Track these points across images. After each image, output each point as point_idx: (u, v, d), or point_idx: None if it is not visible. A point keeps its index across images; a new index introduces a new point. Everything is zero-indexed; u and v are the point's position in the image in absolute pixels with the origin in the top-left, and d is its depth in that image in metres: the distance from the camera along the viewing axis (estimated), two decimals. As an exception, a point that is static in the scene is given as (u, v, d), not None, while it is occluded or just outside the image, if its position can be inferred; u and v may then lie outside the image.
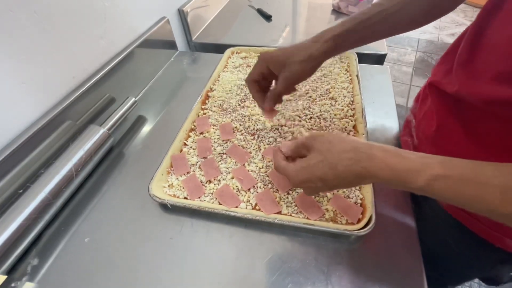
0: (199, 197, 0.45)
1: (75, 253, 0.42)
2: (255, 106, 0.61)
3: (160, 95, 0.72)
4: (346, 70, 0.68)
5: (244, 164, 0.50)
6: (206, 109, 0.62)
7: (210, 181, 0.48)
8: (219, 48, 0.83)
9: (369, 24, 0.39)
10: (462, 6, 2.96)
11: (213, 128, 0.57)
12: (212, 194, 0.46)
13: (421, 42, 2.55)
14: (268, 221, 0.41)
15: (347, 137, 0.33)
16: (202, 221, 0.44)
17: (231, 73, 0.71)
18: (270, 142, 0.53)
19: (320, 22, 0.99)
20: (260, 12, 1.06)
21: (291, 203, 0.43)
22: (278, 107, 0.61)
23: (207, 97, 0.65)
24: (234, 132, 0.56)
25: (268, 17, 1.03)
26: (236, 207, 0.43)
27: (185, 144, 0.55)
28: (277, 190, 0.45)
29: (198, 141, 0.54)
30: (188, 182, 0.47)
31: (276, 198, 0.44)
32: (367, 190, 0.42)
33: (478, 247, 0.42)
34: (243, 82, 0.67)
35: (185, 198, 0.45)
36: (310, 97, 0.62)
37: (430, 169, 0.26)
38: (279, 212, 0.42)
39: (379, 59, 0.80)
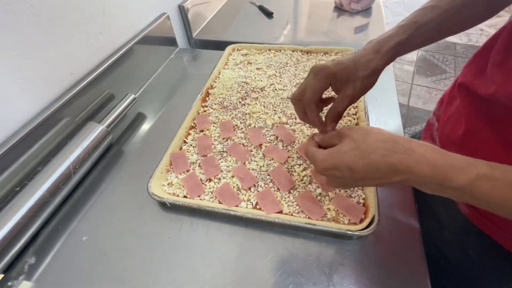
0: (198, 196, 0.44)
1: (72, 252, 0.42)
2: (256, 103, 0.60)
3: (160, 92, 0.71)
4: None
5: (244, 163, 0.49)
6: (207, 106, 0.61)
7: (210, 180, 0.47)
8: (220, 45, 0.82)
9: (429, 28, 0.37)
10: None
11: (213, 126, 0.56)
12: (212, 192, 0.45)
13: (423, 41, 2.52)
14: (269, 221, 0.40)
15: (385, 130, 0.32)
16: (202, 220, 0.44)
17: (232, 70, 0.70)
18: (271, 140, 0.53)
19: (322, 19, 0.97)
20: (262, 9, 1.05)
21: (292, 202, 0.43)
22: (280, 105, 0.60)
23: (208, 94, 0.64)
24: (234, 130, 0.55)
25: (269, 14, 1.01)
26: (237, 206, 0.42)
27: (185, 142, 0.54)
28: (278, 189, 0.45)
29: (198, 139, 0.53)
30: (187, 180, 0.46)
31: (277, 197, 0.43)
32: (370, 190, 0.42)
33: (500, 258, 0.40)
34: (244, 79, 0.67)
35: (185, 196, 0.45)
36: (312, 95, 0.61)
37: (475, 168, 0.25)
38: (280, 212, 0.41)
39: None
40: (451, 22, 0.37)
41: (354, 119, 0.54)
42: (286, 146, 0.51)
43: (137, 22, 0.70)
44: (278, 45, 0.76)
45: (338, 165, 0.31)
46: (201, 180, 0.47)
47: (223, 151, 0.51)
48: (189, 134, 0.55)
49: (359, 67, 0.37)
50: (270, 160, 0.49)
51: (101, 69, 0.59)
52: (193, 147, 0.53)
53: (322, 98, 0.41)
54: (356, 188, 0.43)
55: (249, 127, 0.56)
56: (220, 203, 0.43)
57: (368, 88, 0.38)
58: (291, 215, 0.41)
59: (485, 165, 0.25)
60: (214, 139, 0.54)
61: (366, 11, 0.99)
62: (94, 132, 0.52)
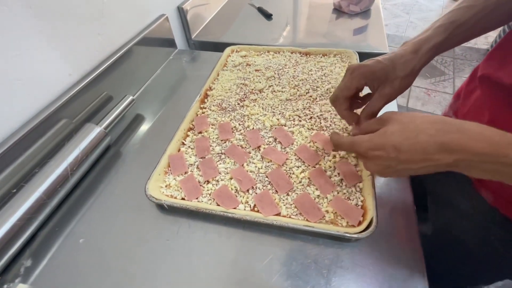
0: (196, 198, 0.44)
1: (69, 254, 0.41)
2: (254, 105, 0.60)
3: (159, 93, 0.71)
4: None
5: (243, 165, 0.49)
6: (205, 108, 0.61)
7: (208, 182, 0.47)
8: (219, 47, 0.82)
9: (466, 28, 0.37)
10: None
11: (212, 128, 0.56)
12: (210, 195, 0.45)
13: (422, 43, 2.53)
14: (267, 223, 0.40)
15: (434, 115, 0.31)
16: (200, 222, 0.43)
17: (231, 72, 0.70)
18: (270, 142, 0.53)
19: (321, 21, 0.98)
20: (261, 10, 1.05)
21: (291, 204, 0.43)
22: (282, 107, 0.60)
23: (206, 95, 0.64)
24: (233, 132, 0.55)
25: (268, 16, 1.02)
26: (235, 208, 0.42)
27: (183, 143, 0.54)
28: (276, 191, 0.44)
29: (196, 141, 0.53)
30: (185, 182, 0.46)
31: (275, 199, 0.43)
32: (368, 192, 0.42)
33: None
34: (243, 81, 0.67)
35: (183, 198, 0.45)
36: (311, 96, 0.61)
37: None
38: (278, 214, 0.41)
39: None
40: (487, 20, 0.37)
41: (353, 121, 0.54)
42: (285, 148, 0.51)
43: (136, 23, 0.70)
44: (277, 47, 0.76)
45: (384, 144, 0.31)
46: (199, 182, 0.47)
47: (222, 153, 0.51)
48: (188, 135, 0.55)
49: (398, 67, 0.37)
50: (268, 162, 0.49)
51: (99, 70, 0.59)
52: (191, 148, 0.53)
53: (360, 96, 0.43)
54: (354, 191, 0.43)
55: (247, 129, 0.56)
56: (218, 205, 0.43)
57: (405, 88, 0.38)
58: (289, 217, 0.41)
59: None
60: (213, 141, 0.54)
61: (364, 13, 0.99)
62: (91, 133, 0.52)
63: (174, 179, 0.47)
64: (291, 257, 0.39)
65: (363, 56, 0.72)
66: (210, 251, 0.40)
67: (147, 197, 0.44)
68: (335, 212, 0.41)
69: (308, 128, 0.54)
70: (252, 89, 0.64)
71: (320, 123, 0.55)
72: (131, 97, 0.62)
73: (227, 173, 0.48)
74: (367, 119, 0.40)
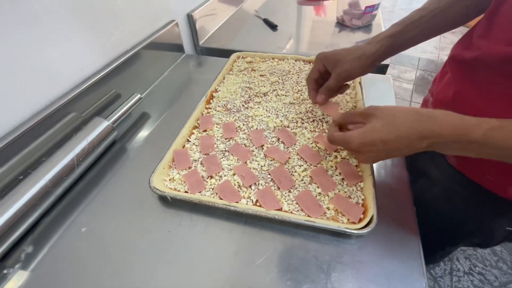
0: (199, 192, 0.45)
1: (71, 243, 0.42)
2: (258, 107, 0.62)
3: (165, 94, 0.73)
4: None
5: (246, 162, 0.50)
6: (210, 108, 0.63)
7: (211, 177, 0.48)
8: (225, 53, 0.85)
9: (417, 25, 0.45)
10: (461, 28, 3.06)
11: (217, 127, 0.58)
12: (213, 189, 0.45)
13: (422, 61, 2.60)
14: (268, 217, 0.40)
15: (408, 107, 0.36)
16: (202, 216, 0.44)
17: (236, 76, 0.73)
18: (273, 142, 0.54)
19: (324, 33, 1.01)
20: (266, 22, 1.09)
21: (292, 201, 0.43)
22: (280, 109, 0.61)
23: (212, 97, 0.66)
24: (237, 131, 0.56)
25: (274, 27, 1.05)
26: (237, 202, 0.43)
27: (188, 140, 0.55)
28: (278, 188, 0.45)
29: (201, 138, 0.54)
30: (189, 176, 0.47)
31: (277, 195, 0.44)
32: (369, 192, 0.42)
33: (480, 198, 0.47)
34: (248, 85, 0.69)
35: (186, 192, 0.45)
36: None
37: (487, 123, 0.30)
38: (280, 209, 0.42)
39: (381, 70, 0.81)
40: (440, 19, 0.45)
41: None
42: (287, 147, 0.52)
43: (147, 26, 0.73)
44: (281, 54, 0.79)
45: (374, 140, 0.35)
46: (202, 177, 0.47)
47: (225, 151, 0.52)
48: (192, 133, 0.56)
49: (349, 53, 0.47)
50: (271, 160, 0.50)
51: (110, 68, 0.61)
52: (196, 145, 0.54)
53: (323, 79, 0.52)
54: (355, 189, 0.44)
55: (251, 129, 0.57)
56: (221, 199, 0.43)
57: (357, 70, 0.47)
58: (291, 213, 0.41)
59: (496, 120, 0.30)
60: (217, 139, 0.55)
61: (366, 27, 1.03)
62: (99, 127, 0.53)
63: (178, 173, 0.48)
64: (291, 252, 0.39)
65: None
66: (211, 244, 0.40)
67: (151, 189, 0.44)
68: (336, 210, 0.42)
69: (310, 130, 0.55)
70: (257, 93, 0.66)
71: (323, 125, 0.56)
72: (138, 95, 0.63)
73: (230, 169, 0.49)
74: (323, 93, 0.52)
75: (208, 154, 0.52)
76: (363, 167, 0.47)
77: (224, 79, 0.72)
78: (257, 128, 0.57)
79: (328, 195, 0.44)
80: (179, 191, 0.45)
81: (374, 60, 0.47)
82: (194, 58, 0.87)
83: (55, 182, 0.45)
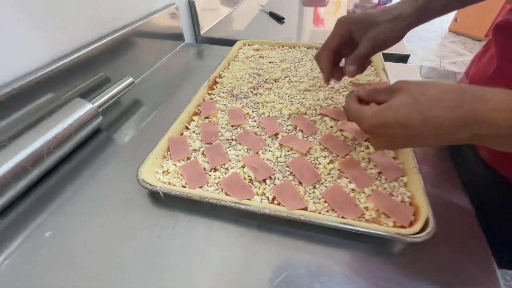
0: (200, 187, 0.36)
1: (31, 252, 0.32)
2: (269, 93, 0.53)
3: (161, 81, 0.64)
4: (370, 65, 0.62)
5: (257, 152, 0.41)
6: (213, 94, 0.54)
7: (215, 169, 0.38)
8: (229, 43, 0.77)
9: None
10: (461, 38, 3.06)
11: (221, 113, 0.49)
12: (217, 184, 0.36)
13: (423, 68, 2.58)
14: (291, 219, 0.31)
15: (449, 83, 0.27)
16: (203, 217, 0.34)
17: (242, 63, 0.64)
18: (289, 130, 0.45)
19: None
20: (272, 15, 1.02)
21: (319, 198, 0.34)
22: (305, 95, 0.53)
23: (215, 82, 0.57)
24: (245, 119, 0.47)
25: (280, 19, 0.99)
26: (249, 200, 0.33)
27: (186, 127, 0.46)
28: (300, 182, 0.36)
29: (203, 125, 0.45)
30: (188, 168, 0.38)
31: (299, 191, 0.34)
32: (417, 187, 0.33)
33: None
34: (256, 71, 0.60)
35: (183, 187, 0.36)
36: (332, 87, 0.55)
37: None
38: (305, 209, 0.32)
39: (402, 60, 0.74)
40: None
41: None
42: (307, 137, 0.43)
43: (143, 5, 0.65)
44: (292, 42, 0.71)
45: (388, 121, 0.28)
46: (204, 169, 0.38)
47: (232, 139, 0.43)
48: (192, 120, 0.47)
49: (383, 13, 0.38)
50: (288, 150, 0.41)
51: (96, 45, 0.52)
52: (197, 134, 0.45)
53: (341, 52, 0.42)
54: (397, 185, 0.35)
55: (262, 116, 0.48)
56: (228, 195, 0.34)
57: (395, 33, 0.38)
58: (319, 213, 0.32)
59: None
60: (222, 127, 0.46)
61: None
62: (80, 110, 0.44)
63: (174, 164, 0.39)
64: (321, 266, 0.29)
65: (386, 56, 0.67)
66: (214, 253, 0.31)
67: (139, 183, 0.35)
68: (377, 210, 0.32)
69: (332, 118, 0.47)
70: (267, 79, 0.58)
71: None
72: (131, 79, 0.55)
73: (239, 160, 0.39)
74: (353, 64, 0.40)
75: (211, 143, 0.42)
76: (402, 158, 0.38)
77: (228, 65, 0.63)
78: (269, 115, 0.48)
79: (364, 192, 0.34)
80: (174, 185, 0.36)
81: (410, 24, 0.38)
82: (194, 47, 0.79)
83: (16, 173, 0.35)
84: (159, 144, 0.40)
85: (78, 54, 0.49)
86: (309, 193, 0.35)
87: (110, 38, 0.55)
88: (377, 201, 0.33)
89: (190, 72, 0.68)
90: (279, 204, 0.33)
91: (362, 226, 0.29)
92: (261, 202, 0.33)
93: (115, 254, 0.31)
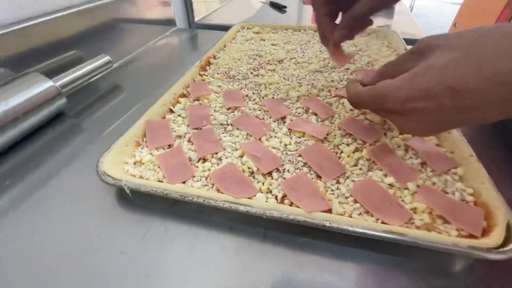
0: (183, 182, 0.26)
1: None
2: (273, 74, 0.45)
3: (147, 66, 0.55)
4: (387, 46, 0.53)
5: (260, 139, 0.31)
6: (206, 75, 0.45)
7: (204, 159, 0.29)
8: (227, 29, 0.69)
9: None
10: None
11: (215, 95, 0.40)
12: (207, 178, 0.27)
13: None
14: (310, 226, 0.22)
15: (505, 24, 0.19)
16: (185, 224, 0.25)
17: (241, 44, 0.56)
18: (299, 113, 0.36)
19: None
20: (273, 4, 0.95)
21: (346, 197, 0.25)
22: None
23: (209, 63, 0.48)
24: (244, 101, 0.38)
25: (282, 8, 0.91)
26: (250, 198, 0.24)
27: (171, 110, 0.37)
28: (318, 176, 0.27)
29: (190, 107, 0.36)
30: (167, 158, 0.28)
31: (319, 187, 0.25)
32: (482, 181, 0.24)
33: None
34: (257, 52, 0.52)
35: (160, 182, 0.26)
36: (347, 69, 0.46)
37: None
38: (329, 211, 0.23)
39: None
40: None
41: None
42: (322, 121, 0.34)
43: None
44: (297, 25, 0.63)
45: (430, 89, 0.20)
46: (189, 159, 0.29)
47: (227, 124, 0.34)
48: (179, 102, 0.38)
49: None
50: (300, 137, 0.32)
51: (66, 13, 0.43)
52: (183, 118, 0.35)
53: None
54: (450, 179, 0.26)
55: (265, 98, 0.39)
56: (221, 193, 0.24)
57: None
58: (350, 217, 0.23)
59: None
60: (215, 110, 0.37)
61: (388, 10, 0.89)
62: (35, 87, 0.34)
63: (150, 153, 0.29)
64: (357, 295, 0.20)
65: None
66: (201, 276, 0.21)
67: (99, 176, 0.25)
68: (430, 212, 0.23)
69: (352, 100, 0.38)
70: (270, 60, 0.49)
71: None
72: (107, 57, 0.46)
73: (236, 148, 0.30)
74: (347, 26, 0.32)
75: (200, 129, 0.33)
76: (449, 144, 0.29)
77: (225, 47, 0.55)
78: (273, 97, 0.39)
79: (407, 188, 0.25)
80: (147, 179, 0.26)
81: None
82: (187, 32, 0.71)
83: None
84: (132, 128, 0.31)
85: (40, 20, 0.40)
86: (332, 190, 0.25)
87: (84, 7, 0.46)
88: (428, 200, 0.23)
89: (181, 57, 0.60)
90: (291, 204, 0.24)
91: (421, 238, 0.20)
92: (266, 201, 0.24)
93: (55, 278, 0.21)
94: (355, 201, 0.24)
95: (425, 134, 0.25)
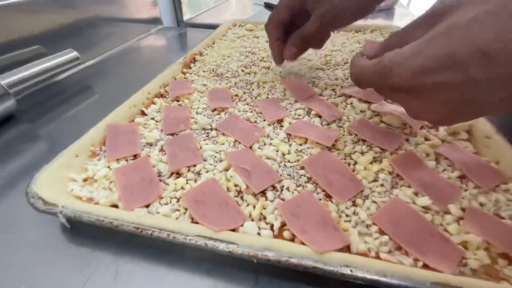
0: (146, 205, 0.19)
1: None
2: (267, 72, 0.39)
3: (124, 65, 0.49)
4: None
5: (251, 147, 0.25)
6: (190, 73, 0.39)
7: (178, 174, 0.22)
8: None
9: None
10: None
11: (199, 94, 0.33)
12: (178, 201, 0.20)
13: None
14: (323, 273, 0.15)
15: None
16: (145, 264, 0.18)
17: (232, 41, 0.50)
18: (299, 115, 0.29)
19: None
20: (268, 5, 0.90)
21: (368, 225, 0.18)
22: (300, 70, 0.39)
23: (194, 60, 0.42)
24: (233, 101, 0.32)
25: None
26: (234, 230, 0.17)
27: (142, 112, 0.30)
28: (327, 196, 0.20)
29: (166, 109, 0.30)
30: (128, 172, 0.21)
31: (330, 212, 0.18)
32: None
33: None
34: (250, 49, 0.46)
35: (115, 206, 0.19)
36: (353, 66, 0.40)
37: None
38: (346, 249, 0.16)
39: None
40: None
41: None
42: (328, 124, 0.28)
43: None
44: (293, 22, 0.58)
45: (452, 54, 0.15)
46: (159, 174, 0.22)
47: (211, 128, 0.27)
48: (154, 103, 0.31)
49: None
50: (301, 144, 0.25)
51: (24, 2, 0.37)
52: (157, 121, 0.29)
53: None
54: (504, 200, 0.19)
55: (258, 98, 0.33)
56: (195, 222, 0.18)
57: (350, 10, 0.28)
58: (378, 257, 0.16)
59: None
60: (197, 112, 0.30)
61: (388, 11, 0.85)
62: (-29, 84, 0.28)
63: (109, 167, 0.23)
64: None
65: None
66: None
67: (27, 199, 0.18)
68: (487, 247, 0.16)
69: (360, 100, 0.31)
70: (264, 57, 0.43)
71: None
72: (75, 53, 0.39)
73: (220, 160, 0.23)
74: (296, 46, 0.31)
75: (176, 134, 0.26)
76: (493, 152, 0.23)
77: (213, 43, 0.49)
78: (267, 97, 0.33)
79: (450, 212, 0.19)
80: (97, 202, 0.19)
81: (371, 2, 0.28)
82: (174, 30, 0.65)
83: None
84: (87, 134, 0.24)
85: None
86: (348, 216, 0.19)
87: (46, -3, 0.40)
88: (483, 230, 0.17)
89: (165, 56, 0.54)
90: (293, 238, 0.17)
91: (486, 292, 0.13)
92: (258, 233, 0.17)
93: None
94: (381, 231, 0.17)
95: (446, 122, 0.19)
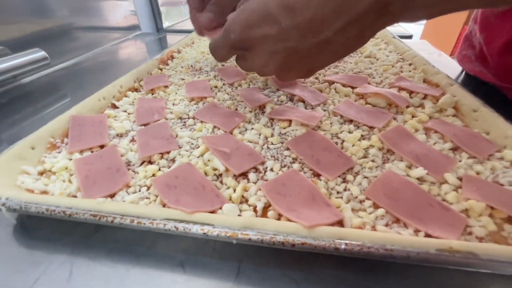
0: (111, 196, 0.17)
1: None
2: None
3: (99, 68, 0.46)
4: (374, 38, 0.48)
5: (232, 132, 0.23)
6: (167, 69, 0.37)
7: (150, 163, 0.20)
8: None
9: None
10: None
11: (175, 87, 0.31)
12: (148, 188, 0.17)
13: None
14: (315, 250, 0.13)
15: None
16: (106, 258, 0.15)
17: (212, 41, 0.49)
18: (282, 101, 0.28)
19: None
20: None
21: (361, 201, 0.16)
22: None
23: (171, 57, 0.40)
24: (212, 91, 0.30)
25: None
26: (213, 212, 0.15)
27: (113, 106, 0.28)
28: (315, 174, 0.18)
29: (140, 100, 0.28)
30: (90, 162, 0.19)
31: (319, 189, 0.17)
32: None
33: None
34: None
35: (73, 196, 0.17)
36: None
37: None
38: (339, 223, 0.14)
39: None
40: None
41: (420, 73, 0.32)
42: (313, 108, 0.26)
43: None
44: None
45: (266, 9, 0.17)
46: (128, 163, 0.20)
47: (188, 117, 0.25)
48: (126, 96, 0.29)
49: None
50: (284, 127, 0.24)
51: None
52: (129, 113, 0.26)
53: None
54: (500, 167, 0.18)
55: (239, 88, 0.31)
56: (168, 207, 0.15)
57: None
58: (374, 229, 0.14)
59: None
60: (173, 104, 0.28)
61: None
62: None
63: (70, 158, 0.20)
64: None
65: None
66: None
67: (-35, 193, 0.16)
68: (491, 213, 0.15)
69: (344, 85, 0.31)
70: (244, 53, 0.42)
71: (374, 78, 0.32)
72: (43, 53, 0.37)
73: (197, 146, 0.21)
74: (212, 11, 0.29)
75: (148, 124, 0.24)
76: (482, 124, 0.22)
77: (193, 43, 0.48)
78: (249, 86, 0.31)
79: (447, 182, 0.17)
80: (52, 194, 0.17)
81: None
82: (153, 35, 0.64)
83: None
84: (46, 126, 0.22)
85: None
86: (339, 192, 0.17)
87: (11, -5, 0.37)
88: (484, 196, 0.15)
89: (143, 58, 0.52)
90: (279, 217, 0.15)
91: (498, 255, 0.11)
92: (239, 215, 0.15)
93: None
94: (376, 206, 0.16)
95: (289, 74, 0.20)
